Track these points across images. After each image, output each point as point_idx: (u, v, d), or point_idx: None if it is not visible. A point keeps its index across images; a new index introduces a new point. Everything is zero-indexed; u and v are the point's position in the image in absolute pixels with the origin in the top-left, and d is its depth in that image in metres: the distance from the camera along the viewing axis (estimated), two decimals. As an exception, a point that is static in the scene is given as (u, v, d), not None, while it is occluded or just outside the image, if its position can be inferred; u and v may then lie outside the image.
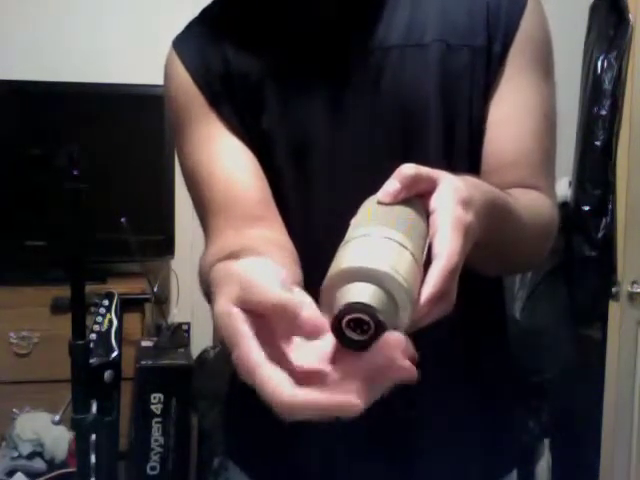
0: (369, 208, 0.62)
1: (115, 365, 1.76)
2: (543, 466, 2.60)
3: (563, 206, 2.57)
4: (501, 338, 1.06)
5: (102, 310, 1.94)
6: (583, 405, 2.54)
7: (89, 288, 1.74)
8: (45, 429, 2.32)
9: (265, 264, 0.58)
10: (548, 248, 0.97)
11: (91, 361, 1.70)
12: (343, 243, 0.58)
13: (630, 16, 2.44)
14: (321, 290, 0.55)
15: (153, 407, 2.36)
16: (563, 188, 2.62)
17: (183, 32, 1.02)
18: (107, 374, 1.72)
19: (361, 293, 0.52)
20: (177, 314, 2.77)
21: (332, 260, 0.57)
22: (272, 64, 0.96)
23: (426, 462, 0.98)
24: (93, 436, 1.69)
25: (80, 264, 1.71)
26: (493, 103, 0.95)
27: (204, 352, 2.69)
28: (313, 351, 0.55)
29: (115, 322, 1.91)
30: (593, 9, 2.63)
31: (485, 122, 0.95)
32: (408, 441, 0.98)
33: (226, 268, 0.59)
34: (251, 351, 0.52)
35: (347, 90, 0.94)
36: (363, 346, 0.52)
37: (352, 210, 0.64)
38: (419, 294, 0.55)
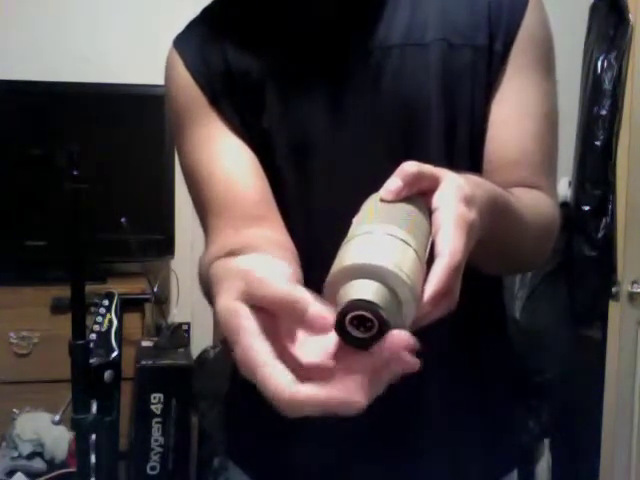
0: (372, 205, 0.62)
1: (115, 365, 1.76)
2: (543, 466, 2.61)
3: (563, 206, 2.57)
4: (501, 338, 1.06)
5: (102, 310, 1.94)
6: (583, 405, 2.54)
7: (89, 288, 1.74)
8: (45, 429, 2.31)
9: (268, 260, 0.58)
10: (550, 248, 0.97)
11: (91, 361, 1.70)
12: (346, 240, 0.58)
13: (630, 16, 2.44)
14: (324, 287, 0.55)
15: (153, 407, 2.36)
16: (563, 188, 2.62)
17: (184, 31, 1.02)
18: (107, 374, 1.72)
19: (364, 290, 0.52)
20: (177, 314, 2.77)
21: (333, 258, 0.57)
22: (273, 63, 0.96)
23: (427, 462, 0.98)
24: (93, 436, 1.69)
25: (80, 264, 1.70)
26: (494, 102, 0.95)
27: (204, 352, 2.69)
28: (316, 347, 0.55)
29: (115, 322, 1.91)
30: (593, 9, 2.63)
31: (486, 121, 0.95)
32: (409, 441, 0.98)
33: (227, 264, 0.59)
34: (253, 347, 0.51)
35: (348, 90, 0.94)
36: (366, 344, 0.52)
37: (352, 209, 0.64)
38: (422, 292, 0.55)
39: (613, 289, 2.34)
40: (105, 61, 2.80)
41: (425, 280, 0.56)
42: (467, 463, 1.01)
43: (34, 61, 2.76)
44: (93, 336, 1.82)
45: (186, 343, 2.66)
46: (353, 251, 0.55)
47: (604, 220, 2.54)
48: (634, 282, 2.31)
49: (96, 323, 1.89)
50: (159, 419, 2.36)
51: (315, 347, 0.55)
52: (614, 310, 2.36)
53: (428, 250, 0.58)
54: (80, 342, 1.67)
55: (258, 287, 0.53)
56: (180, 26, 1.03)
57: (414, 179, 0.61)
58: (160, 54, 1.08)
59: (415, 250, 0.56)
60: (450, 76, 0.93)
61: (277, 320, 0.54)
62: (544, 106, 0.96)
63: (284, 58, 0.96)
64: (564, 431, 2.61)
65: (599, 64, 2.54)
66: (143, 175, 2.69)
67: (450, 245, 0.57)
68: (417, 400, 0.95)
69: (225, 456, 1.15)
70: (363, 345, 0.52)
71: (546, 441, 2.62)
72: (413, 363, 0.51)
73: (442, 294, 0.56)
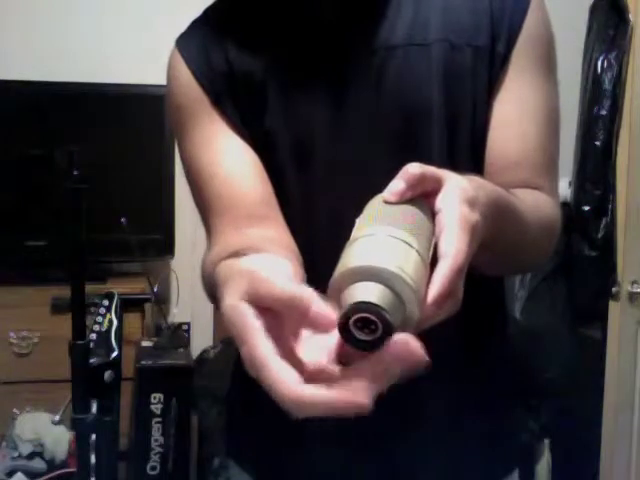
0: (375, 207, 0.61)
1: (115, 365, 1.76)
2: (543, 466, 2.61)
3: (563, 206, 2.57)
4: (502, 338, 1.06)
5: (102, 310, 1.94)
6: (583, 405, 2.54)
7: (89, 288, 1.75)
8: (45, 429, 2.31)
9: (272, 260, 0.58)
10: (551, 249, 0.97)
11: (91, 361, 1.70)
12: (349, 242, 0.58)
13: (630, 16, 2.44)
14: (328, 289, 0.55)
15: (153, 407, 2.36)
16: (563, 188, 2.62)
17: (186, 31, 1.02)
18: (107, 374, 1.72)
19: (368, 293, 0.52)
20: (177, 314, 2.77)
21: (335, 258, 0.57)
22: (275, 63, 0.96)
23: (428, 463, 0.98)
24: (93, 436, 1.69)
25: (80, 264, 1.71)
26: (496, 102, 0.95)
27: (204, 352, 2.69)
28: (321, 346, 0.55)
29: (115, 322, 1.92)
30: (593, 9, 2.64)
31: (488, 122, 0.95)
32: (409, 441, 0.98)
33: (232, 265, 0.59)
34: (259, 346, 0.52)
35: (350, 90, 0.94)
36: (370, 346, 0.52)
37: (354, 210, 0.64)
38: (426, 294, 0.55)
39: (613, 289, 2.34)
40: (106, 61, 2.80)
41: (429, 282, 0.56)
42: (468, 464, 1.01)
43: (34, 61, 2.76)
44: (93, 336, 1.82)
45: (186, 343, 2.66)
46: (356, 253, 0.55)
47: (604, 220, 2.54)
48: (634, 282, 2.31)
49: (96, 323, 1.89)
50: (159, 419, 2.36)
51: (320, 346, 0.55)
52: (614, 310, 2.36)
53: (431, 252, 0.58)
54: (80, 342, 1.68)
55: (262, 287, 0.53)
56: (180, 26, 1.03)
57: (417, 181, 0.61)
58: (160, 54, 1.08)
59: (418, 252, 0.56)
60: (452, 76, 0.93)
61: (282, 320, 0.54)
62: (545, 107, 0.96)
63: (286, 58, 0.96)
64: (564, 431, 2.61)
65: (599, 64, 2.54)
66: (143, 175, 2.69)
67: (453, 247, 0.57)
68: (417, 400, 0.95)
69: (225, 456, 1.15)
70: (367, 347, 0.52)
71: (546, 441, 2.62)
72: (422, 357, 0.51)
73: (446, 296, 0.56)
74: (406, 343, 0.51)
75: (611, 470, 2.40)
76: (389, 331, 0.51)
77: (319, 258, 0.91)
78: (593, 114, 2.54)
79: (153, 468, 2.37)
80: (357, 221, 0.61)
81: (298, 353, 0.55)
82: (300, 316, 0.52)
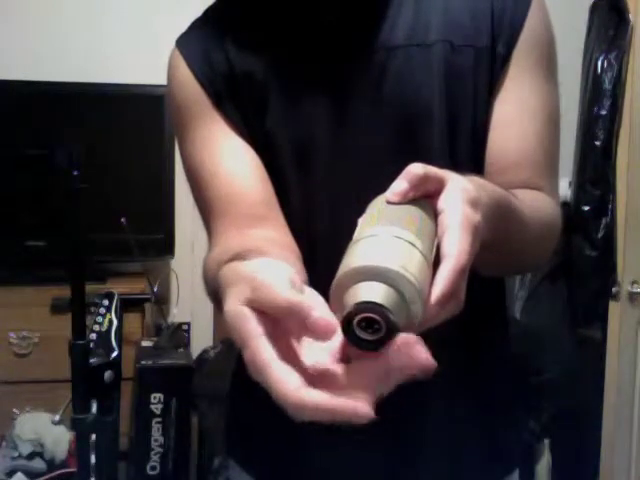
0: (377, 207, 0.61)
1: (115, 365, 1.75)
2: (543, 466, 2.61)
3: (563, 206, 2.57)
4: (502, 338, 1.06)
5: (102, 310, 1.94)
6: (583, 405, 2.55)
7: (89, 288, 1.74)
8: (45, 429, 2.31)
9: (275, 265, 0.58)
10: (551, 249, 0.97)
11: (91, 361, 1.69)
12: (352, 242, 0.58)
13: (630, 16, 2.44)
14: (331, 289, 0.55)
15: (153, 407, 2.36)
16: (563, 188, 2.62)
17: (186, 32, 1.02)
18: (107, 374, 1.72)
19: (372, 292, 0.52)
20: (177, 314, 2.77)
21: (336, 259, 0.57)
22: (276, 64, 0.96)
23: (428, 464, 0.98)
24: (93, 436, 1.69)
25: (80, 264, 1.70)
26: (497, 103, 0.95)
27: (204, 352, 2.69)
28: (324, 350, 0.55)
29: (115, 322, 1.91)
30: (593, 9, 2.64)
31: (488, 122, 0.95)
32: (410, 442, 0.98)
33: (235, 269, 0.59)
34: (261, 350, 0.52)
35: (351, 90, 0.94)
36: (373, 347, 0.52)
37: (355, 209, 0.64)
38: (429, 294, 0.55)
39: (613, 289, 2.34)
40: (105, 61, 2.80)
41: (431, 282, 0.56)
42: (468, 464, 1.01)
43: (34, 61, 2.76)
44: (93, 336, 1.81)
45: (186, 343, 2.66)
46: (360, 253, 0.55)
47: (604, 220, 2.54)
48: (634, 282, 2.31)
49: (96, 323, 1.89)
50: (159, 419, 2.36)
51: (323, 349, 0.55)
52: (614, 310, 2.36)
53: (434, 252, 0.58)
54: (80, 342, 1.67)
55: (263, 293, 0.53)
56: (180, 26, 1.03)
57: (420, 181, 0.61)
58: (160, 54, 1.08)
59: (421, 252, 0.56)
60: (452, 77, 0.93)
61: (285, 324, 0.54)
62: (546, 107, 0.96)
63: (287, 58, 0.96)
64: (564, 431, 2.61)
65: (599, 64, 2.54)
66: (143, 175, 2.69)
67: (456, 247, 0.57)
68: (417, 401, 0.95)
69: (225, 456, 1.15)
70: (370, 347, 0.52)
71: (546, 441, 2.62)
72: (427, 360, 0.51)
73: (448, 296, 0.56)
74: (411, 345, 0.51)
75: (611, 470, 2.40)
76: (393, 331, 0.51)
77: (320, 258, 0.92)
78: (593, 114, 2.54)
79: (153, 468, 2.37)
80: (360, 221, 0.61)
81: (301, 357, 0.55)
82: (301, 323, 0.52)
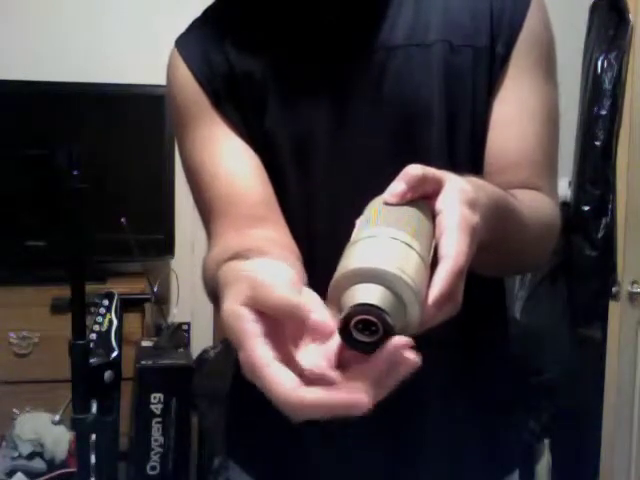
0: (375, 209, 0.61)
1: (115, 365, 1.75)
2: (543, 466, 2.61)
3: (563, 206, 2.57)
4: (502, 338, 1.06)
5: (102, 310, 1.94)
6: (583, 405, 2.55)
7: (89, 288, 1.74)
8: (45, 429, 2.31)
9: (275, 265, 0.58)
10: (550, 249, 0.97)
11: (91, 361, 1.69)
12: (350, 244, 0.58)
13: (630, 16, 2.44)
14: (328, 291, 0.55)
15: (153, 407, 2.36)
16: (563, 188, 2.62)
17: (186, 32, 1.02)
18: (107, 374, 1.72)
19: (369, 294, 0.52)
20: (177, 314, 2.77)
21: (335, 259, 0.57)
22: (275, 64, 0.96)
23: (428, 464, 0.98)
24: (93, 436, 1.69)
25: (80, 264, 1.70)
26: (496, 103, 0.95)
27: (204, 352, 2.69)
28: (321, 351, 0.55)
29: (115, 322, 1.91)
30: (593, 9, 2.63)
31: (487, 122, 0.95)
32: (410, 442, 0.98)
33: (235, 269, 0.59)
34: (257, 351, 0.52)
35: (350, 90, 0.94)
36: (370, 348, 0.52)
37: (354, 210, 0.64)
38: (426, 295, 0.55)
39: (613, 289, 2.34)
40: (105, 61, 2.80)
41: (429, 284, 0.56)
42: (468, 464, 1.01)
43: (34, 61, 2.76)
44: (93, 336, 1.81)
45: (186, 343, 2.66)
46: (357, 255, 0.55)
47: (604, 220, 2.54)
48: (634, 282, 2.31)
49: (96, 323, 1.89)
50: (159, 419, 2.36)
51: (319, 353, 0.55)
52: (614, 310, 2.36)
53: (432, 253, 0.58)
54: (80, 342, 1.67)
55: (263, 293, 0.53)
56: (180, 26, 1.03)
57: (418, 182, 0.61)
58: (160, 54, 1.08)
59: (419, 253, 0.56)
60: (452, 77, 0.93)
61: (282, 325, 0.54)
62: (545, 107, 0.96)
63: (287, 59, 0.96)
64: (564, 431, 2.61)
65: (599, 64, 2.54)
66: (143, 175, 2.69)
67: (454, 248, 0.57)
68: (418, 401, 0.95)
69: (225, 456, 1.15)
70: (367, 349, 0.52)
71: (546, 441, 2.62)
72: (413, 361, 0.51)
73: (446, 297, 0.56)
74: (399, 348, 0.51)
75: (611, 470, 2.40)
76: (390, 333, 0.51)
77: (319, 258, 0.92)
78: (593, 114, 2.54)
79: (153, 468, 2.37)
80: (357, 222, 0.61)
81: (297, 358, 0.55)
82: (299, 325, 0.52)
